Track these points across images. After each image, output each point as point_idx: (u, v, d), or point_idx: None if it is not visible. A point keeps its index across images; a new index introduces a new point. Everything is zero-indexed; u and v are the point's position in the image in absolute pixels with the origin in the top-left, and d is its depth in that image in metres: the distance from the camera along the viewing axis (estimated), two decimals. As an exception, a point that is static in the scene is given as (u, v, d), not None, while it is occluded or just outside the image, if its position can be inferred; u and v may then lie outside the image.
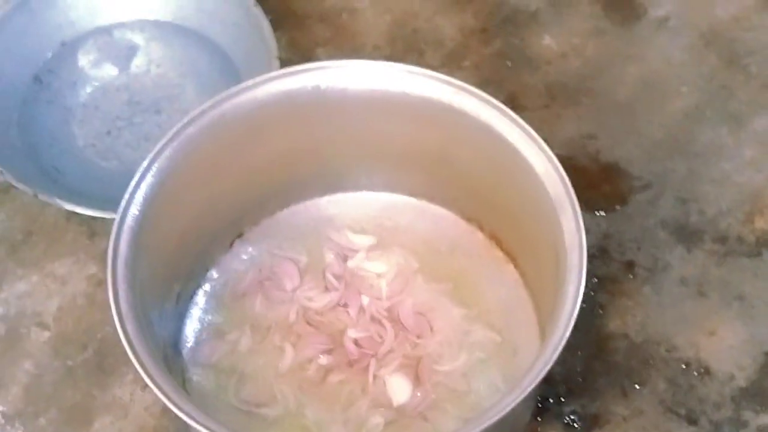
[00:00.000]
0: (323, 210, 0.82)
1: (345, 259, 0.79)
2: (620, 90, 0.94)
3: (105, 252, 0.66)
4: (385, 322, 0.75)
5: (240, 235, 0.81)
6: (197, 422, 0.60)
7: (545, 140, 0.69)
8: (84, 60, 0.93)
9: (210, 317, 0.77)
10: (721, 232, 0.85)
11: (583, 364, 0.78)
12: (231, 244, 0.80)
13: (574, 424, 0.76)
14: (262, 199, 0.80)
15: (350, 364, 0.74)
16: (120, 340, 0.63)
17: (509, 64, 0.96)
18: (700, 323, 0.80)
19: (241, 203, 0.79)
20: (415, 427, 0.71)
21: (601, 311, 0.81)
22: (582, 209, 0.67)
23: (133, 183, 0.69)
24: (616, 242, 0.84)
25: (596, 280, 0.82)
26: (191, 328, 0.77)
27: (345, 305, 0.77)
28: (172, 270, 0.74)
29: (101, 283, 0.80)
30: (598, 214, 0.86)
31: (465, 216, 0.81)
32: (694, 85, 0.94)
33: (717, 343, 0.79)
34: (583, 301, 0.63)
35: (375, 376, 0.73)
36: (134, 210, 0.68)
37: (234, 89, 0.73)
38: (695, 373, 0.78)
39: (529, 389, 0.60)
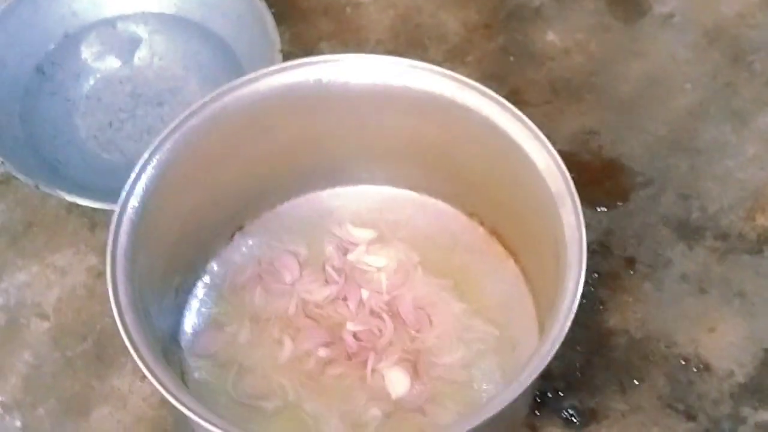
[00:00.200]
0: (324, 203, 0.82)
1: (345, 252, 0.79)
2: (624, 86, 0.94)
3: (106, 244, 0.66)
4: (384, 315, 0.75)
5: (240, 228, 0.81)
6: (195, 414, 0.60)
7: (547, 136, 0.69)
8: (87, 52, 0.93)
9: (209, 309, 0.77)
10: (722, 229, 0.85)
11: (583, 360, 0.78)
12: (231, 237, 0.80)
13: (573, 419, 0.76)
14: (262, 192, 0.80)
15: (349, 357, 0.74)
16: (119, 332, 0.63)
17: (512, 59, 0.96)
18: (700, 320, 0.80)
19: (241, 196, 0.79)
20: (413, 420, 0.71)
21: (601, 307, 0.81)
22: (583, 205, 0.67)
23: (133, 175, 0.69)
24: (617, 238, 0.84)
25: (597, 275, 0.82)
26: (190, 320, 0.77)
27: (344, 299, 0.77)
28: (172, 262, 0.74)
29: (101, 274, 0.80)
30: (599, 209, 0.86)
31: (466, 211, 0.81)
32: (698, 82, 0.94)
33: (717, 340, 0.79)
34: (583, 297, 0.63)
35: (374, 370, 0.73)
36: (134, 202, 0.68)
37: (236, 82, 0.73)
38: (695, 370, 0.78)
39: (528, 384, 0.60)
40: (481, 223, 0.80)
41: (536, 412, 0.76)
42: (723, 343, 0.79)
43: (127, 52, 0.94)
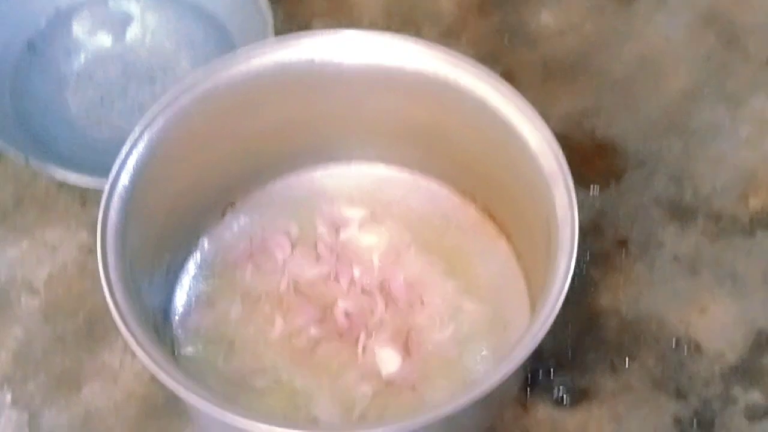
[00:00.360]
0: (316, 182, 0.82)
1: (337, 230, 0.79)
2: (618, 68, 0.94)
3: (96, 220, 0.66)
4: (376, 294, 0.75)
5: (232, 205, 0.80)
6: (185, 390, 0.60)
7: (541, 116, 0.69)
8: (78, 28, 0.93)
9: (200, 287, 0.77)
10: (715, 211, 0.85)
11: (574, 339, 0.78)
12: (222, 214, 0.80)
13: (563, 398, 0.76)
14: (254, 170, 0.80)
15: (340, 335, 0.74)
16: (109, 309, 0.63)
17: (506, 40, 0.95)
18: (691, 301, 0.80)
19: (233, 174, 0.79)
20: (403, 398, 0.71)
21: (592, 287, 0.81)
22: (576, 186, 0.67)
23: (123, 152, 0.69)
24: (609, 219, 0.84)
25: (589, 256, 0.82)
26: (181, 297, 0.77)
27: (336, 277, 0.77)
28: (163, 239, 0.74)
29: (92, 251, 0.80)
30: (592, 190, 0.86)
31: (459, 190, 0.81)
32: (692, 64, 0.94)
33: (708, 321, 0.79)
34: (575, 277, 0.63)
35: (364, 348, 0.73)
36: (125, 179, 0.68)
37: (227, 59, 0.72)
38: (686, 350, 0.78)
39: (518, 362, 0.60)
40: (474, 203, 0.80)
41: (527, 391, 0.76)
42: (714, 324, 0.79)
43: (118, 29, 0.93)
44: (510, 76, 0.91)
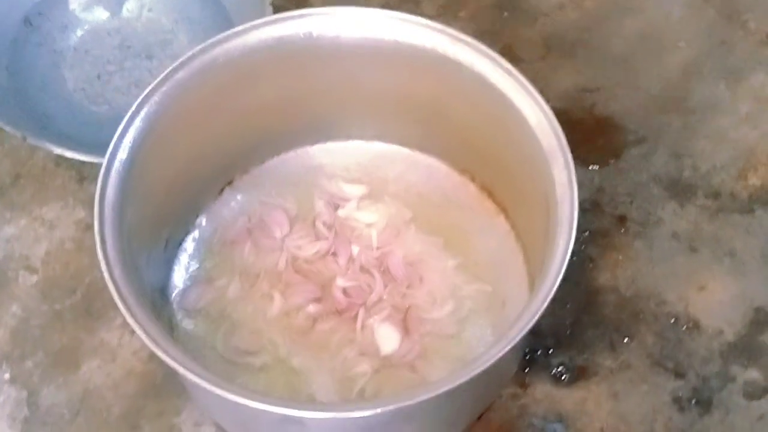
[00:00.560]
0: (314, 158, 0.82)
1: (335, 208, 0.79)
2: (617, 43, 0.93)
3: (94, 197, 0.66)
4: (374, 271, 0.75)
5: (230, 183, 0.80)
6: (184, 368, 0.60)
7: (540, 93, 0.69)
8: (75, 3, 0.92)
9: (198, 264, 0.77)
10: (714, 188, 0.85)
11: (572, 317, 0.78)
12: (220, 192, 0.80)
13: (562, 376, 0.76)
14: (252, 147, 0.80)
15: (339, 312, 0.74)
16: (107, 286, 0.63)
17: (506, 15, 0.95)
18: (690, 278, 0.80)
19: (231, 150, 0.78)
20: (402, 376, 0.71)
21: (591, 265, 0.81)
22: (575, 163, 0.66)
23: (121, 127, 0.68)
24: (608, 196, 0.84)
25: (587, 233, 0.82)
26: (179, 274, 0.77)
27: (334, 254, 0.76)
28: (161, 216, 0.74)
29: (90, 227, 0.79)
30: (591, 167, 0.85)
31: (457, 167, 0.80)
32: (692, 39, 0.93)
33: (707, 298, 0.79)
34: (574, 254, 0.63)
35: (363, 326, 0.73)
36: (122, 154, 0.68)
37: (225, 34, 0.72)
38: (684, 328, 0.78)
39: (517, 340, 0.60)
40: (473, 180, 0.80)
41: (526, 369, 0.76)
42: (713, 301, 0.79)
43: (115, 3, 0.93)
44: (509, 51, 0.91)
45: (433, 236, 0.77)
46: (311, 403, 0.69)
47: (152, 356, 0.76)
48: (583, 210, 0.65)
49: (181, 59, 0.71)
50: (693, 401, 0.75)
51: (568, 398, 0.75)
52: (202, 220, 0.79)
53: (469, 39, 0.71)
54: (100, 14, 0.92)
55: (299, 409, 0.59)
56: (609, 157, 0.86)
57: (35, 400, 0.76)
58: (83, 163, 0.79)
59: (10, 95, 0.86)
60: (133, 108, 0.69)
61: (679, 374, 0.76)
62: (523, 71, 0.70)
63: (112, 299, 0.62)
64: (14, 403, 0.76)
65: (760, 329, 0.78)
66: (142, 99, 0.69)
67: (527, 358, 0.76)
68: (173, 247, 0.77)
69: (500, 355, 0.60)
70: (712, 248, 0.82)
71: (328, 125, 0.81)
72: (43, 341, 0.78)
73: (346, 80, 0.77)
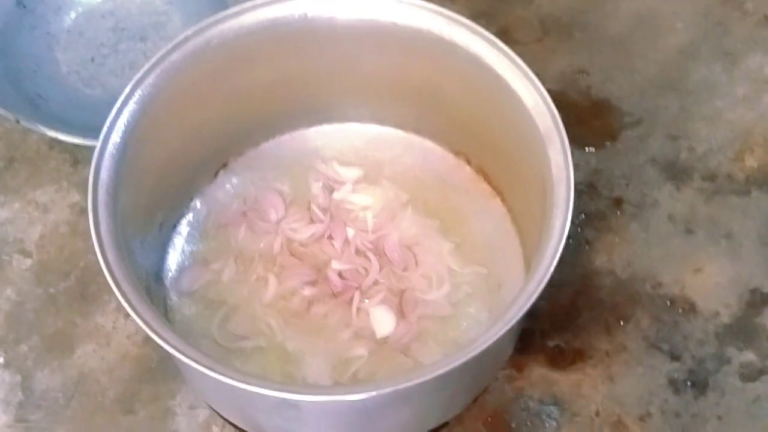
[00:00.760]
0: (309, 141, 0.81)
1: (331, 190, 0.79)
2: (614, 25, 0.93)
3: (88, 180, 0.65)
4: (369, 254, 0.75)
5: (224, 165, 0.80)
6: (179, 351, 0.60)
7: (536, 75, 0.68)
8: (68, -16, 0.92)
9: (193, 247, 0.77)
10: (710, 170, 0.84)
11: (568, 300, 0.78)
12: (215, 174, 0.80)
13: (558, 359, 0.76)
14: (247, 129, 0.79)
15: (334, 295, 0.74)
16: (102, 269, 0.62)
17: (502, -4, 0.95)
18: (686, 260, 0.80)
19: (225, 133, 0.78)
20: (397, 359, 0.71)
21: (587, 247, 0.80)
22: (571, 145, 0.66)
23: (114, 110, 0.68)
24: (604, 178, 0.84)
25: (584, 215, 0.81)
26: (174, 257, 0.76)
27: (330, 237, 0.76)
28: (155, 199, 0.73)
29: (84, 211, 0.79)
30: (587, 149, 0.85)
31: (453, 149, 0.80)
32: (689, 21, 0.93)
33: (703, 281, 0.79)
34: (570, 237, 0.63)
35: (359, 309, 0.73)
36: (116, 137, 0.67)
37: (219, 15, 0.72)
38: (680, 310, 0.78)
39: (513, 323, 0.60)
40: (468, 162, 0.80)
41: (522, 351, 0.76)
42: (709, 283, 0.79)
43: (109, -15, 0.92)
44: (505, 33, 0.90)
45: (429, 219, 0.77)
46: (307, 386, 0.69)
47: (147, 340, 0.76)
48: (579, 192, 0.65)
49: (174, 41, 0.70)
50: (689, 383, 0.75)
51: (563, 381, 0.75)
52: (197, 203, 0.79)
53: (465, 21, 0.71)
54: (94, -4, 0.92)
55: (295, 392, 0.58)
56: (605, 139, 0.86)
57: (29, 385, 0.75)
58: (77, 146, 0.79)
59: (3, 78, 0.85)
60: (127, 90, 0.68)
61: (674, 356, 0.76)
62: (519, 53, 0.69)
63: (106, 283, 0.62)
64: (8, 387, 0.75)
65: (756, 311, 0.78)
66: (136, 81, 0.69)
67: (523, 340, 0.76)
68: (168, 230, 0.77)
69: (496, 337, 0.60)
70: (709, 230, 0.81)
71: (324, 108, 0.80)
72: (37, 325, 0.78)
73: (341, 62, 0.76)
